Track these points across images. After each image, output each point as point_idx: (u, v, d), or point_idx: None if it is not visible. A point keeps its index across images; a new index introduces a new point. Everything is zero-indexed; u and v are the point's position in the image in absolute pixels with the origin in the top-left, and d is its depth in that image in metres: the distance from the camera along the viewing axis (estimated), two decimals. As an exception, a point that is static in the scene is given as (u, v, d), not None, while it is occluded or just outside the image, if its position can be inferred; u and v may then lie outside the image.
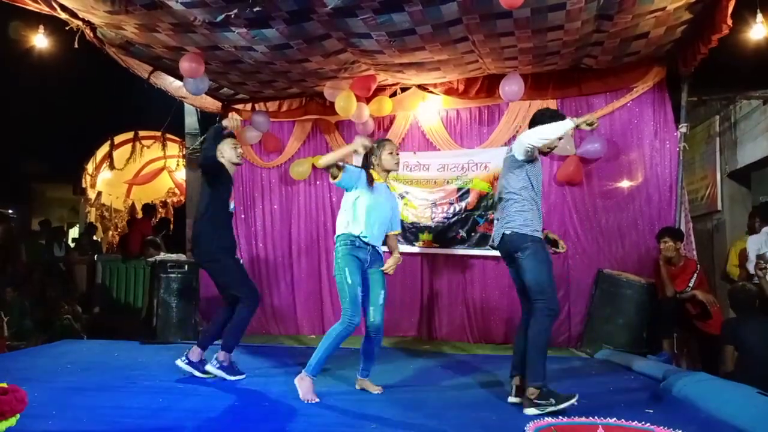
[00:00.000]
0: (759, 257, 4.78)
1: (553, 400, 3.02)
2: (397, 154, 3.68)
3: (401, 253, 6.00)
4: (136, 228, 8.78)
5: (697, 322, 4.79)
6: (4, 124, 10.21)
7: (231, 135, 4.11)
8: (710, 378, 3.60)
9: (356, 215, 3.51)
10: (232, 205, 4.05)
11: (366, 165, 3.65)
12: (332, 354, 3.40)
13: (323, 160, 3.51)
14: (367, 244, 3.50)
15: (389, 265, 3.62)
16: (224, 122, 3.85)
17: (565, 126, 3.19)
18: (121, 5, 4.10)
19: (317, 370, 3.39)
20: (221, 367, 3.82)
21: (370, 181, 3.54)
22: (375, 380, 3.62)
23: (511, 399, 3.35)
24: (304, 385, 3.34)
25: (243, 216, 6.59)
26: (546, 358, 3.18)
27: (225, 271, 3.91)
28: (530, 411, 3.05)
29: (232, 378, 3.83)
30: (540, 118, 3.36)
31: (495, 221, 3.57)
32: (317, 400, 3.28)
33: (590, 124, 3.28)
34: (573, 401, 3.03)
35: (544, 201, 5.61)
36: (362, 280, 3.47)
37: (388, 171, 3.67)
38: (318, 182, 6.46)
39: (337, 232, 3.59)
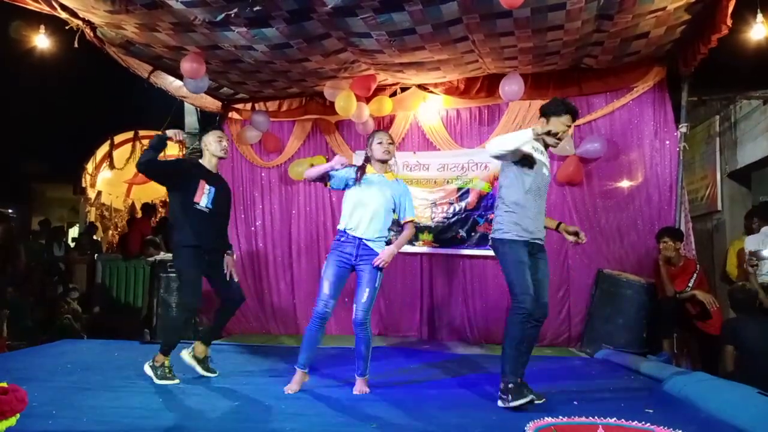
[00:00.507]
0: (751, 254, 4.82)
1: (510, 396, 3.11)
2: (389, 143, 3.65)
3: (401, 253, 6.08)
4: (135, 227, 8.77)
5: (696, 322, 4.79)
6: (4, 124, 10.21)
7: (217, 127, 4.09)
8: (710, 378, 3.60)
9: (345, 210, 3.64)
10: (203, 202, 3.79)
11: (365, 159, 3.72)
12: (308, 344, 3.56)
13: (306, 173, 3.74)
14: (355, 237, 3.56)
15: (380, 257, 3.57)
16: (169, 133, 3.83)
17: (524, 136, 3.18)
18: (122, 5, 4.10)
19: (300, 362, 3.58)
20: (152, 367, 3.71)
21: (360, 175, 3.61)
22: (375, 380, 3.62)
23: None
24: (295, 378, 3.57)
25: (243, 216, 6.60)
26: (511, 354, 3.21)
27: (178, 268, 3.85)
28: (499, 402, 3.17)
29: (158, 381, 3.65)
30: (545, 109, 3.41)
31: None
32: (291, 391, 3.49)
33: (554, 135, 3.30)
34: (527, 400, 3.08)
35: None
36: (342, 272, 3.59)
37: (382, 161, 3.67)
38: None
39: None
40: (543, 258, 3.43)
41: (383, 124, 6.28)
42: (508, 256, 3.30)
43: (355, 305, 3.55)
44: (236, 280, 3.98)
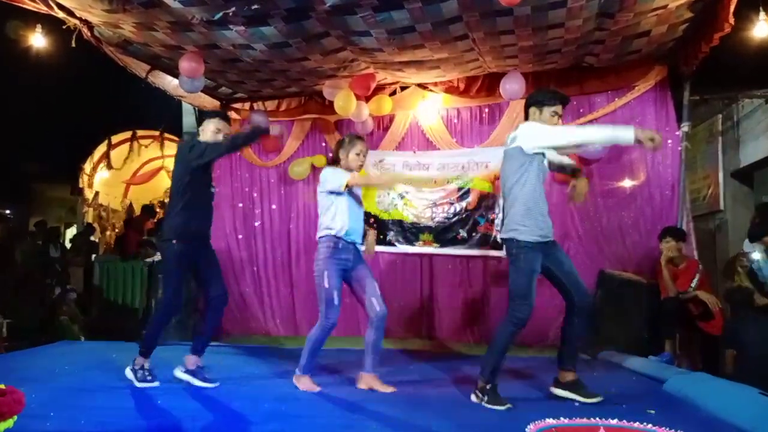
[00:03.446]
0: (741, 254, 4.81)
1: (487, 398, 3.21)
2: (365, 156, 3.69)
3: (402, 254, 6.08)
4: (131, 228, 8.77)
5: (699, 322, 4.76)
6: (1, 124, 10.19)
7: (224, 115, 3.90)
8: (712, 378, 3.59)
9: (340, 217, 3.58)
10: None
11: (334, 160, 3.74)
12: (315, 352, 3.59)
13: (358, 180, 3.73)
14: (350, 243, 3.60)
15: (369, 243, 3.74)
16: (272, 131, 3.77)
17: (614, 137, 3.06)
18: (119, 4, 4.07)
19: (308, 369, 3.60)
20: (188, 372, 3.64)
21: None
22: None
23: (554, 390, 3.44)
24: (302, 382, 3.58)
25: (242, 216, 6.57)
26: (498, 360, 3.28)
27: (163, 260, 3.74)
28: (473, 397, 3.30)
29: (199, 383, 3.59)
30: (536, 96, 3.37)
31: None
32: (318, 388, 3.52)
33: (651, 140, 2.95)
34: (503, 408, 3.15)
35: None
36: (347, 279, 3.61)
37: (351, 170, 3.70)
38: (317, 182, 6.44)
39: (320, 234, 3.63)
40: (559, 249, 3.43)
41: (383, 123, 6.26)
42: (520, 263, 3.26)
43: (374, 299, 3.58)
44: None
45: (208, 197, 3.76)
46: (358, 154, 3.65)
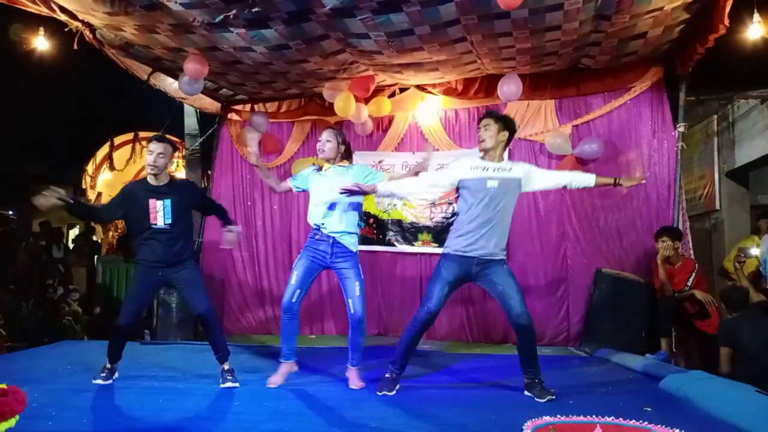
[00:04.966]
0: (740, 249, 4.84)
1: (385, 387, 3.43)
2: (326, 140, 3.68)
3: (401, 253, 6.10)
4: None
5: (695, 321, 4.80)
6: (4, 126, 10.21)
7: (159, 136, 3.81)
8: (709, 377, 3.61)
9: (311, 206, 3.64)
10: (161, 221, 3.57)
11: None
12: (287, 338, 3.64)
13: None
14: (328, 235, 3.55)
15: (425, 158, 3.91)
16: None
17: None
18: (120, 6, 4.11)
19: (283, 355, 3.65)
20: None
21: (319, 169, 3.71)
22: (375, 379, 3.62)
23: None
24: (279, 370, 3.63)
25: (243, 216, 6.60)
26: (401, 352, 3.51)
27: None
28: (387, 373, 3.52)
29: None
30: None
31: None
32: (274, 384, 3.55)
33: None
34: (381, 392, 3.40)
35: (542, 199, 5.63)
36: (314, 267, 3.60)
37: (325, 159, 3.72)
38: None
39: None
40: (498, 272, 3.42)
41: (382, 124, 6.29)
42: (437, 269, 3.55)
43: (350, 301, 3.55)
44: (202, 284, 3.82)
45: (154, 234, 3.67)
46: (319, 140, 3.73)
